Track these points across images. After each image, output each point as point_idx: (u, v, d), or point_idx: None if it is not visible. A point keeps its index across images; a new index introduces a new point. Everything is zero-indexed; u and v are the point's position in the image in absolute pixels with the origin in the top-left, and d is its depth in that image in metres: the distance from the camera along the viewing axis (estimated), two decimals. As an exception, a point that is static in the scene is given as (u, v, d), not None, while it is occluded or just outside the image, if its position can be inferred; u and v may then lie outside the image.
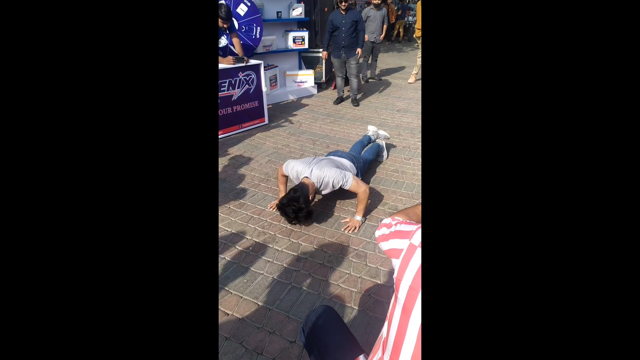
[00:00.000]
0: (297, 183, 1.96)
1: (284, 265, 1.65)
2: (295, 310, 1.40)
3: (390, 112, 3.99)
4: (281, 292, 1.50)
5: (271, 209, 2.08)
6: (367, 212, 2.04)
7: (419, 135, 3.27)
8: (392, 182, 2.42)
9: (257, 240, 1.82)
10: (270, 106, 4.12)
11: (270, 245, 1.79)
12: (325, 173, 1.92)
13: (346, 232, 1.89)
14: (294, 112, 3.98)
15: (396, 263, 0.69)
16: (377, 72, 5.55)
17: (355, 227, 1.90)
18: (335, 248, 1.77)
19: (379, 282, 1.55)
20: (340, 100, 4.34)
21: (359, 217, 1.93)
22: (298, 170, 1.99)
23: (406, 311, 0.62)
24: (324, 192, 2.02)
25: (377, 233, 0.84)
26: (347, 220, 1.97)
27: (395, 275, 0.70)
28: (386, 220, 0.84)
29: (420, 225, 0.73)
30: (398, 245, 0.71)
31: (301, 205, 1.80)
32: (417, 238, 0.69)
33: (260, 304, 1.44)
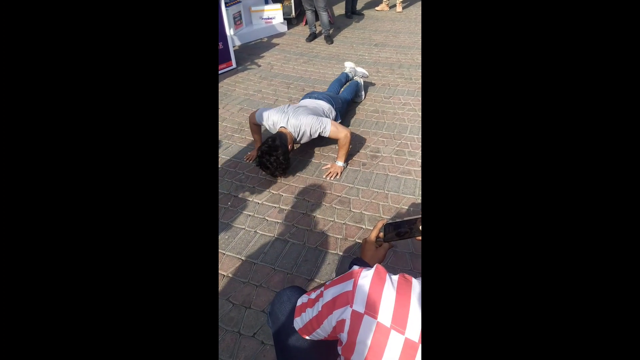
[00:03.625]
0: (273, 133, 1.83)
1: (266, 218, 1.60)
2: (280, 262, 1.38)
3: (368, 47, 3.73)
4: (265, 245, 1.46)
5: (248, 161, 1.97)
6: (348, 157, 1.96)
7: (399, 71, 3.10)
8: (372, 123, 2.32)
9: (235, 195, 1.74)
10: (237, 48, 3.77)
11: (250, 199, 1.71)
12: (302, 121, 1.79)
13: (328, 179, 1.82)
14: (264, 54, 3.66)
15: (342, 336, 0.56)
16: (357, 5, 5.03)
17: (337, 173, 1.84)
18: (318, 196, 1.72)
19: (363, 227, 1.53)
20: (313, 37, 4.00)
21: (340, 163, 1.86)
22: (274, 120, 1.85)
23: None
24: (302, 142, 1.90)
25: (297, 324, 0.66)
26: (328, 166, 1.89)
27: (341, 347, 0.57)
28: (300, 300, 0.68)
29: (358, 275, 0.57)
30: (338, 317, 0.56)
31: (279, 158, 1.69)
32: (359, 302, 0.54)
33: (243, 258, 1.40)
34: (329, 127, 1.80)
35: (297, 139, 1.86)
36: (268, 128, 1.91)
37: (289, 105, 1.93)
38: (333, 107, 2.09)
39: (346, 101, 2.32)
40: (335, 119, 2.10)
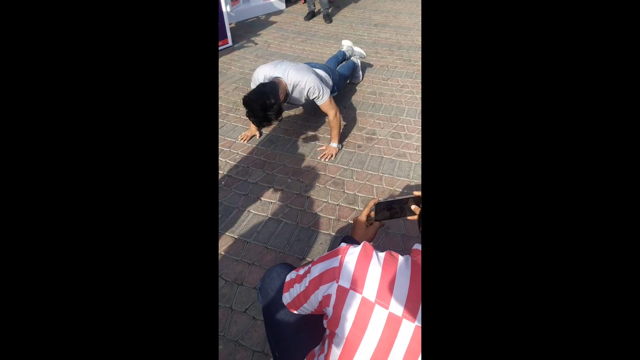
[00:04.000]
0: None
1: (259, 197, 1.60)
2: (273, 241, 1.39)
3: (367, 27, 3.65)
4: (258, 224, 1.47)
5: (242, 141, 1.96)
6: (343, 137, 1.95)
7: (398, 53, 3.04)
8: (369, 105, 2.29)
9: (229, 174, 1.73)
10: (233, 25, 3.67)
11: (244, 178, 1.71)
12: (304, 78, 1.69)
13: (322, 160, 1.82)
14: (261, 32, 3.57)
15: (328, 311, 0.56)
16: None
17: (332, 155, 1.83)
18: (312, 177, 1.72)
19: (356, 208, 1.54)
20: (311, 15, 3.90)
21: (334, 144, 1.84)
22: (266, 74, 1.72)
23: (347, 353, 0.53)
24: (290, 100, 1.78)
25: (285, 299, 0.67)
26: (323, 147, 1.88)
27: (326, 320, 0.57)
28: (289, 277, 0.69)
29: (345, 252, 0.57)
30: (324, 292, 0.56)
31: (270, 101, 1.53)
32: (345, 278, 0.54)
33: (236, 237, 1.41)
34: (326, 97, 1.74)
35: (290, 94, 1.74)
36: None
37: (285, 61, 1.81)
38: (330, 77, 2.02)
39: (343, 76, 2.25)
40: (332, 91, 2.04)
